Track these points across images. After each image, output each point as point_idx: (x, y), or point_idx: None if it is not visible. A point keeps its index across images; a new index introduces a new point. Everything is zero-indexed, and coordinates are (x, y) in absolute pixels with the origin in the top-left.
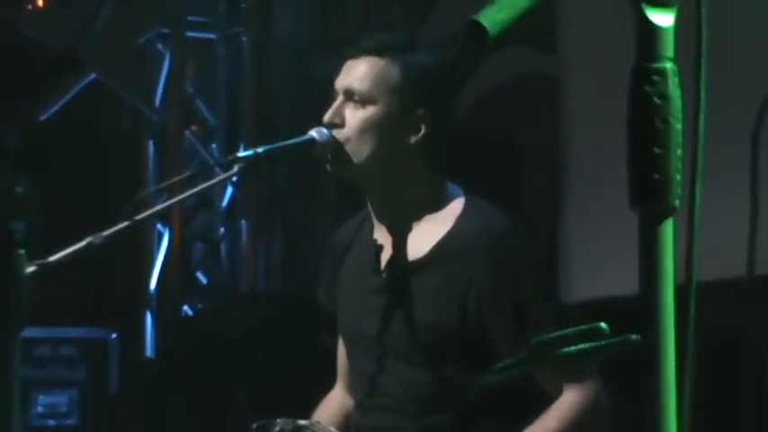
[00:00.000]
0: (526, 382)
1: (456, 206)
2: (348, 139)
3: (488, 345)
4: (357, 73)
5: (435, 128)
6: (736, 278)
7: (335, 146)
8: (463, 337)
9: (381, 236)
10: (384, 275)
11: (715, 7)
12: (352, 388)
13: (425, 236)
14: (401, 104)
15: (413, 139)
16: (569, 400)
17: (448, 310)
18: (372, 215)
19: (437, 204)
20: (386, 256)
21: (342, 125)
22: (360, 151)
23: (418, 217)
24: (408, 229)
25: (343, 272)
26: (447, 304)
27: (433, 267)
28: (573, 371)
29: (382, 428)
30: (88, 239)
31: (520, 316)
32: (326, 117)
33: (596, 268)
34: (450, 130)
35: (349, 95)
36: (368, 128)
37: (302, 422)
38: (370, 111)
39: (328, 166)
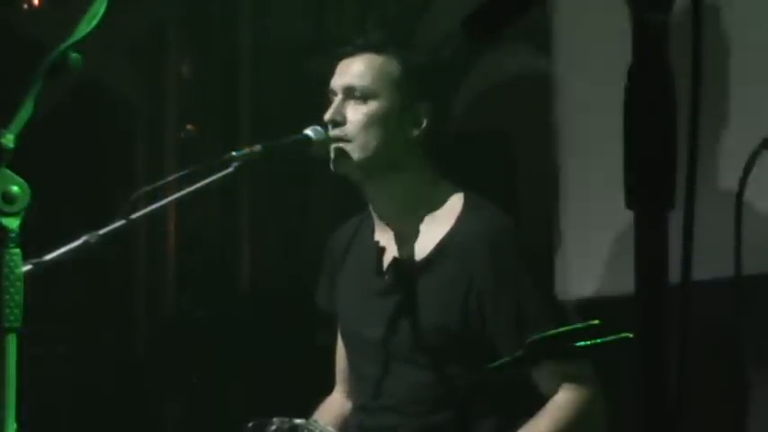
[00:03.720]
0: (525, 381)
1: (455, 203)
2: (352, 136)
3: (491, 344)
4: (355, 70)
5: (436, 122)
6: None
7: (338, 145)
8: (466, 336)
9: (382, 237)
10: (386, 277)
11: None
12: (352, 390)
13: (426, 235)
14: (402, 98)
15: (415, 133)
16: (564, 399)
17: (451, 309)
18: (373, 215)
19: (436, 201)
20: (388, 257)
21: (344, 123)
22: (365, 146)
23: (419, 215)
24: (410, 228)
25: (342, 274)
26: (450, 304)
27: (436, 267)
28: (568, 370)
29: (384, 428)
30: (84, 238)
31: (519, 315)
32: (328, 116)
33: (592, 267)
34: (449, 125)
35: (349, 93)
36: (372, 122)
37: (298, 421)
38: (372, 105)
39: (332, 166)
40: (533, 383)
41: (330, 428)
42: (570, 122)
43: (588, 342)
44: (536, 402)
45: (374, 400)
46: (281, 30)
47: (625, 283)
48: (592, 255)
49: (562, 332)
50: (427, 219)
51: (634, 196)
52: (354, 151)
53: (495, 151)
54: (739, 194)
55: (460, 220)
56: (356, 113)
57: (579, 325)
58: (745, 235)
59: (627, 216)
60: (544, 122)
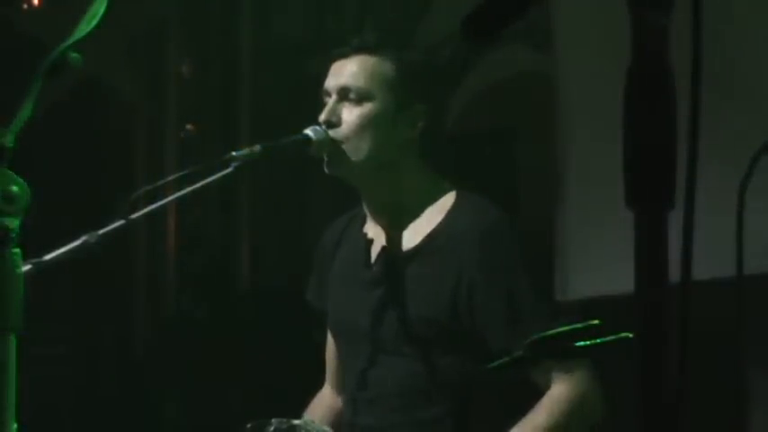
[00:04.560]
0: (519, 375)
1: (448, 199)
2: (346, 138)
3: (480, 336)
4: (350, 71)
5: (431, 123)
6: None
7: (332, 146)
8: (455, 328)
9: (371, 230)
10: (374, 268)
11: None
12: (343, 384)
13: (416, 228)
14: (397, 100)
15: (410, 134)
16: (560, 393)
17: (439, 301)
18: (367, 212)
19: (430, 199)
20: (376, 249)
21: (338, 124)
22: (359, 148)
23: (412, 212)
24: (402, 224)
25: (332, 269)
26: (438, 295)
27: (424, 258)
28: (564, 365)
29: (375, 423)
30: (83, 238)
31: (510, 308)
32: (322, 116)
33: (592, 267)
34: (445, 125)
35: (344, 94)
36: (366, 124)
37: (297, 421)
38: (367, 107)
39: (326, 168)
40: (528, 378)
41: (327, 428)
42: (570, 122)
43: (588, 342)
44: (532, 397)
45: (362, 392)
46: (281, 30)
47: (625, 283)
48: (592, 254)
49: (562, 332)
50: (420, 215)
51: (634, 196)
52: (348, 153)
53: (496, 151)
54: (741, 196)
55: (451, 214)
56: (350, 115)
57: (579, 325)
58: (746, 234)
59: (627, 216)
60: (544, 122)
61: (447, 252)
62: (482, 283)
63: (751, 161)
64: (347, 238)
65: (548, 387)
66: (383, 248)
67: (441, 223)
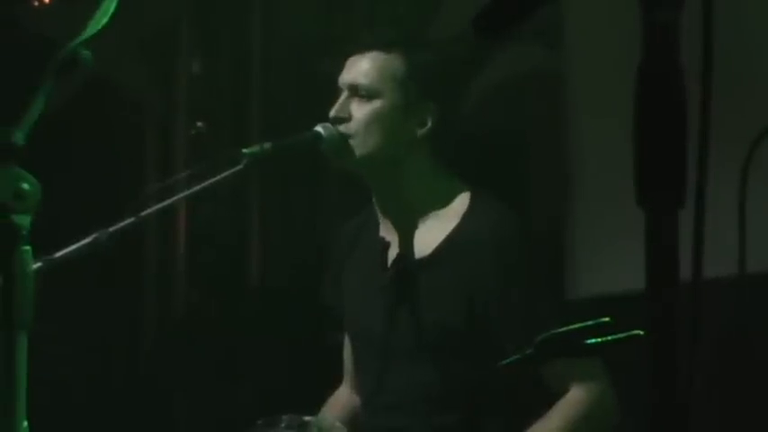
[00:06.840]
0: (533, 380)
1: (462, 202)
2: (355, 133)
3: (495, 342)
4: (362, 68)
5: (441, 121)
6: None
7: (340, 140)
8: (469, 334)
9: (387, 233)
10: (390, 273)
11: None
12: (358, 386)
13: (431, 233)
14: (407, 98)
15: (418, 133)
16: (575, 398)
17: (454, 307)
18: (377, 211)
19: (442, 200)
20: (392, 253)
21: (348, 119)
22: (366, 144)
23: (423, 213)
24: (413, 226)
25: (348, 268)
26: (453, 302)
27: (440, 265)
28: (578, 369)
29: (389, 428)
30: (94, 235)
31: (527, 314)
32: (332, 112)
33: (603, 265)
34: (456, 124)
35: (354, 90)
36: (374, 121)
37: (308, 418)
38: (376, 104)
39: (332, 161)
40: (542, 382)
41: (339, 424)
42: (581, 121)
43: (599, 340)
44: (545, 401)
45: (376, 397)
46: (292, 27)
47: (636, 281)
48: (603, 253)
49: (572, 330)
50: (432, 217)
51: (644, 195)
52: (356, 148)
53: (508, 150)
54: (743, 182)
55: (465, 220)
56: (359, 111)
57: (590, 322)
58: (749, 234)
59: (638, 214)
60: (555, 121)
61: (462, 259)
62: (498, 293)
63: (751, 145)
64: (364, 238)
65: (562, 392)
66: (398, 254)
67: (455, 229)
